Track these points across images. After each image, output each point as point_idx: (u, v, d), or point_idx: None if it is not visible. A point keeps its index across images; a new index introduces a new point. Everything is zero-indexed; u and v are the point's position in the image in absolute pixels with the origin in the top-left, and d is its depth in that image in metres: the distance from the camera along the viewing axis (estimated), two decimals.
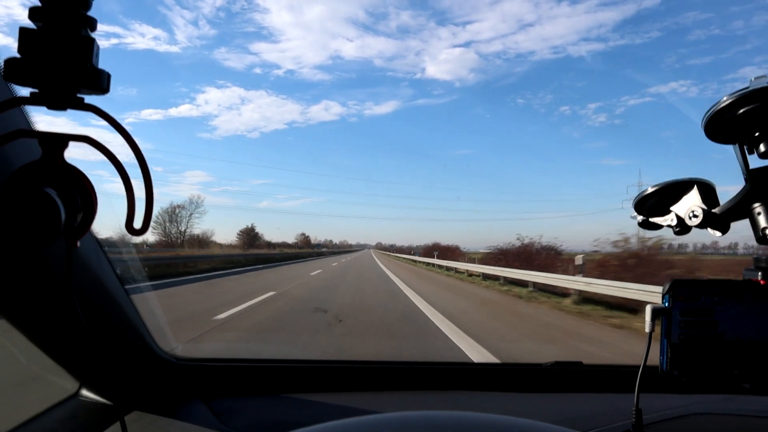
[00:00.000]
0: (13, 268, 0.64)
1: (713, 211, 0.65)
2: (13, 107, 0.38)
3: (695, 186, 0.67)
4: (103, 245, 0.80)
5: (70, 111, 0.39)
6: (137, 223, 0.42)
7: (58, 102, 0.38)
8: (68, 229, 0.39)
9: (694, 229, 0.70)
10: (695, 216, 0.66)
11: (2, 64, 0.36)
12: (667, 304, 0.70)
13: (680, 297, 0.69)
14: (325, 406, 0.96)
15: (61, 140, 0.39)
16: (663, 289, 0.71)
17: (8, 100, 0.37)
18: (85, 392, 0.89)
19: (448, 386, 1.08)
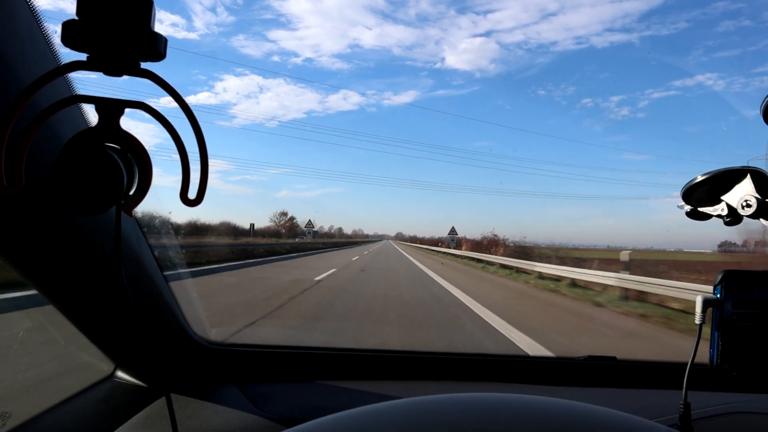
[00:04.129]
0: (61, 242, 0.73)
1: (767, 200, 0.65)
2: (71, 71, 0.41)
3: (748, 174, 0.67)
4: (141, 226, 0.85)
5: (113, 84, 0.41)
6: (192, 194, 0.44)
7: (116, 67, 0.40)
8: (123, 197, 0.42)
9: (745, 219, 0.70)
10: (749, 205, 0.68)
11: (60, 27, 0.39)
12: (718, 295, 0.70)
13: (733, 288, 0.72)
14: (361, 394, 1.03)
15: (118, 106, 0.42)
16: (715, 280, 0.70)
17: (67, 64, 0.40)
18: (120, 374, 1.02)
19: (477, 377, 1.14)
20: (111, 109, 0.42)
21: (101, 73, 0.41)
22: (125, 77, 0.42)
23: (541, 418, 0.42)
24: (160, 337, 1.01)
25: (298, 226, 76.31)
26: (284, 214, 72.29)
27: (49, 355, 1.22)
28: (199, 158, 0.43)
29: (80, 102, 0.43)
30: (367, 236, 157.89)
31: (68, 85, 0.66)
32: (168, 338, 1.03)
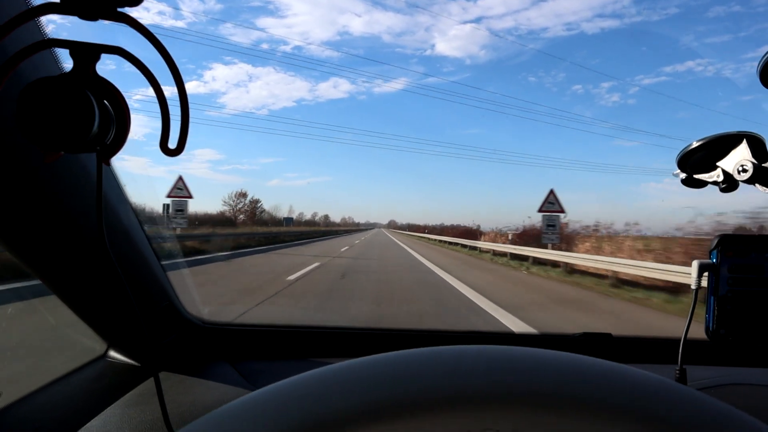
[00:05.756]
0: (41, 205, 0.73)
1: (764, 165, 0.66)
2: (44, 14, 0.41)
3: (744, 139, 0.69)
4: (132, 203, 0.86)
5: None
6: (172, 143, 0.44)
7: (91, 10, 0.40)
8: (100, 144, 0.43)
9: (741, 185, 0.71)
10: (744, 170, 0.70)
11: None
12: (714, 260, 0.73)
13: (729, 252, 0.75)
14: None
15: (94, 51, 0.42)
16: (711, 244, 0.71)
17: (39, 6, 0.40)
18: (113, 353, 1.07)
19: None
20: (86, 54, 0.42)
21: (76, 19, 0.40)
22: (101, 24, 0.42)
23: (537, 366, 0.42)
24: (151, 314, 1.06)
25: (264, 211, 62.71)
26: (243, 194, 58.30)
27: (41, 335, 1.23)
28: (179, 107, 0.43)
29: (53, 46, 0.43)
30: (357, 224, 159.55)
31: (41, 29, 0.66)
32: (159, 316, 1.09)
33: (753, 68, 0.62)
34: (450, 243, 30.58)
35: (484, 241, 24.12)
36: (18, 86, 0.60)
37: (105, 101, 0.42)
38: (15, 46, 0.42)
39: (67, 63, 0.42)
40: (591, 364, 0.43)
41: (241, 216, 55.52)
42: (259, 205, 60.89)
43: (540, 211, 13.77)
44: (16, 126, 0.38)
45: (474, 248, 22.93)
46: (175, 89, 0.45)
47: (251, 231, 29.40)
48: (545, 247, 13.63)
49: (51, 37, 0.43)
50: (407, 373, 0.39)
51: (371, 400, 0.36)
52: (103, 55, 0.43)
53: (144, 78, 0.44)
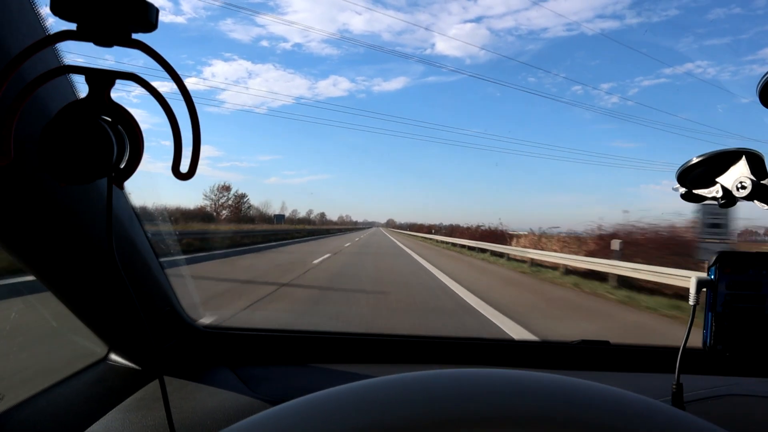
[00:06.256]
0: (51, 219, 0.75)
1: (763, 182, 0.67)
2: (60, 41, 0.42)
3: (743, 156, 0.70)
4: (134, 208, 0.86)
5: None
6: (183, 167, 0.45)
7: (106, 37, 0.41)
8: (114, 169, 0.44)
9: (739, 201, 0.72)
10: (743, 187, 0.72)
11: None
12: (712, 276, 0.74)
13: (727, 269, 0.76)
14: (356, 377, 1.03)
15: (108, 77, 0.43)
16: (709, 261, 0.73)
17: (56, 34, 0.42)
18: (114, 357, 1.09)
19: (474, 361, 1.16)
20: (101, 80, 0.43)
21: (91, 47, 0.42)
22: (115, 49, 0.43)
23: (526, 390, 0.43)
24: (154, 319, 1.10)
25: (251, 207, 56.07)
26: (226, 188, 52.06)
27: (42, 338, 1.24)
28: (191, 131, 0.44)
29: (69, 72, 0.44)
30: (355, 223, 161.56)
31: (57, 56, 0.69)
32: (161, 321, 1.12)
33: (752, 71, 0.63)
34: (470, 248, 22.33)
35: (517, 246, 18.34)
36: (33, 110, 0.62)
37: (119, 126, 0.44)
38: (32, 72, 0.43)
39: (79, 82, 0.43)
40: (585, 387, 0.44)
41: (224, 212, 51.03)
42: (245, 200, 56.10)
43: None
44: (31, 149, 0.39)
45: (503, 256, 16.11)
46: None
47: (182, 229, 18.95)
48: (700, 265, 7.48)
49: (67, 64, 0.43)
50: (427, 395, 0.40)
51: (388, 420, 0.37)
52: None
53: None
